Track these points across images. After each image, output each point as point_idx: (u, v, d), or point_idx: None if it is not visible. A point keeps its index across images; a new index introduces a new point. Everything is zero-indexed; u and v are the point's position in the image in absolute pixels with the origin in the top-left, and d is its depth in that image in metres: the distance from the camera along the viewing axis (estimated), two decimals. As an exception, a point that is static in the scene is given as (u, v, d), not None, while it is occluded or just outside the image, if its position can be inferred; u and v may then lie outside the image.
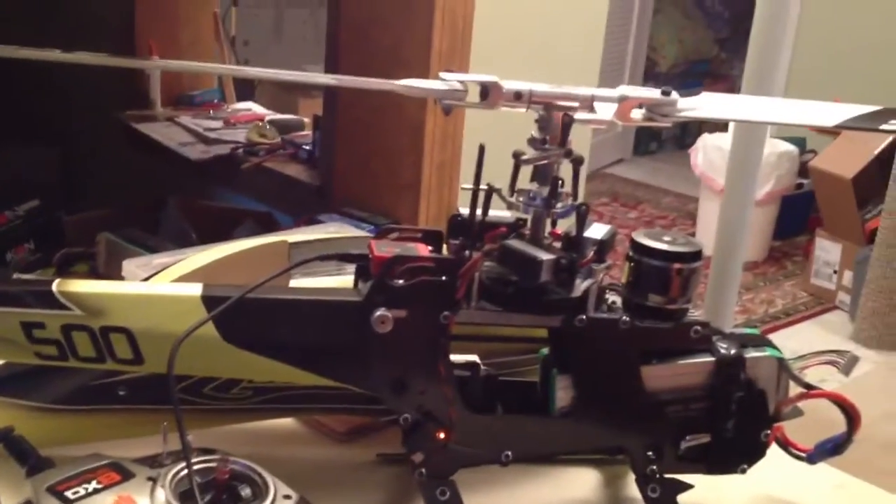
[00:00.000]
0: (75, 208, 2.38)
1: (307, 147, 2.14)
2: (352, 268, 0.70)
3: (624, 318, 0.67)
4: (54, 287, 0.63)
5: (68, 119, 2.40)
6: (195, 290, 0.63)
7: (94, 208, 2.31)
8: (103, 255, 1.84)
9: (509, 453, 0.68)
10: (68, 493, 0.57)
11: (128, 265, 1.01)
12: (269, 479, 0.59)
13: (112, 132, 2.50)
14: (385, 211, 1.68)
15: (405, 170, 1.64)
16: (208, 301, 0.63)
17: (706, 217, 3.84)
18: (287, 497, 0.59)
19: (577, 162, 0.65)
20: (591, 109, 0.65)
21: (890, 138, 3.23)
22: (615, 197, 4.55)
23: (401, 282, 0.63)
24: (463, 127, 1.60)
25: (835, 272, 3.44)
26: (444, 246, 0.68)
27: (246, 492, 0.59)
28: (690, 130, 4.75)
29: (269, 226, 2.02)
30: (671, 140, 5.25)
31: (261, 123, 2.32)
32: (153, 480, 0.58)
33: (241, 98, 2.79)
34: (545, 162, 0.66)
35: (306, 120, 2.35)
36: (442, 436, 0.66)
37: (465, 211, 0.66)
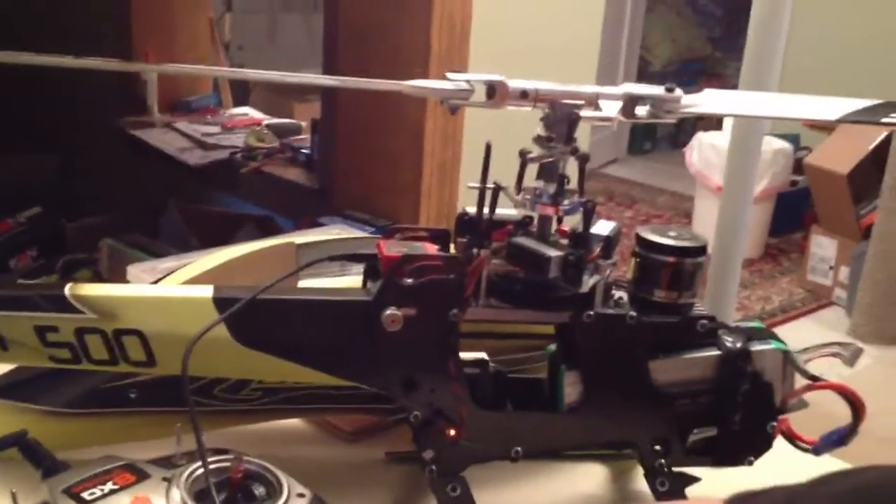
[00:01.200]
0: (76, 215, 2.38)
1: (305, 150, 2.14)
2: (357, 268, 0.70)
3: (631, 313, 0.68)
4: (67, 291, 0.63)
5: (67, 126, 2.40)
6: (207, 291, 0.64)
7: (94, 214, 2.31)
8: (106, 261, 1.84)
9: (519, 449, 0.68)
10: (85, 495, 0.57)
11: (133, 270, 1.01)
12: (283, 477, 0.60)
13: (110, 138, 2.50)
14: (386, 212, 1.68)
15: (405, 171, 1.64)
16: (220, 303, 0.63)
17: (702, 215, 3.85)
18: (301, 495, 0.59)
19: (583, 159, 0.66)
20: (597, 107, 0.66)
21: (884, 134, 3.24)
22: (610, 196, 4.55)
23: (410, 281, 0.64)
24: (463, 127, 1.60)
25: (831, 268, 3.45)
26: (452, 245, 0.69)
27: (260, 490, 0.59)
28: (685, 129, 4.76)
29: (270, 230, 2.02)
30: (665, 139, 5.25)
31: (258, 128, 2.32)
32: (168, 481, 0.58)
33: (235, 104, 2.79)
34: (551, 160, 0.66)
35: (303, 124, 2.35)
36: (452, 433, 0.67)
37: (472, 210, 0.66)
